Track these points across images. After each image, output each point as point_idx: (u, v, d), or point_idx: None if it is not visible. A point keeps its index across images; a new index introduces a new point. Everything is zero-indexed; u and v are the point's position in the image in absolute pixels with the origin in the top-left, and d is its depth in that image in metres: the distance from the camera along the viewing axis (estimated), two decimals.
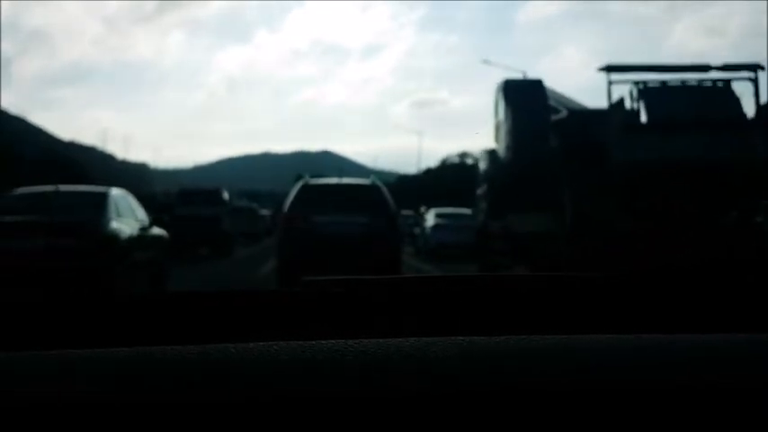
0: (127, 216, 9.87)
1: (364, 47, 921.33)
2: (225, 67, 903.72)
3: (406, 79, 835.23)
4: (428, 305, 0.98)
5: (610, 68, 12.88)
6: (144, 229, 10.26)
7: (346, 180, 12.27)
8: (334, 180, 12.32)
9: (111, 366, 0.76)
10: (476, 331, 0.86)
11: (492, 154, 14.52)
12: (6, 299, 0.96)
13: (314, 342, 0.81)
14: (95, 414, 0.68)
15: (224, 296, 1.01)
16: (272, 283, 11.65)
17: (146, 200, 11.42)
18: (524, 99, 13.24)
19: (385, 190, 11.28)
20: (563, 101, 14.05)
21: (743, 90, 12.73)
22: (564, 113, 13.38)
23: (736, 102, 12.61)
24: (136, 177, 58.42)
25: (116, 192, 10.02)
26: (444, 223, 21.83)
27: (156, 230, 10.81)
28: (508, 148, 13.29)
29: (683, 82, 12.88)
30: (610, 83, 12.78)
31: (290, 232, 10.76)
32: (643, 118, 12.65)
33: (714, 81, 12.87)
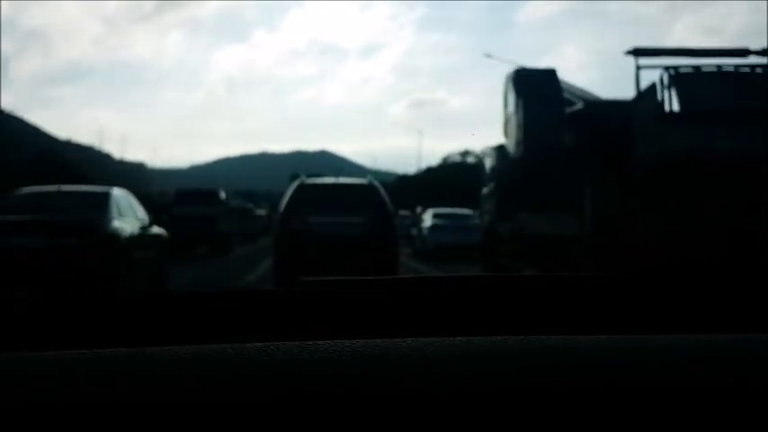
0: (128, 216, 9.91)
1: (363, 47, 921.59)
2: (223, 66, 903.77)
3: (405, 79, 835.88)
4: (426, 305, 0.98)
5: (638, 52, 11.53)
6: (144, 229, 10.29)
7: (343, 180, 12.16)
8: (330, 180, 12.22)
9: (110, 366, 0.76)
10: (474, 331, 0.86)
11: (500, 150, 13.74)
12: (7, 299, 0.96)
13: (311, 342, 0.81)
14: (95, 414, 0.68)
15: (221, 296, 1.01)
16: (269, 282, 11.63)
17: (142, 200, 11.43)
18: (537, 90, 12.21)
19: (382, 190, 11.20)
20: (578, 93, 12.97)
21: None
22: (580, 105, 12.28)
23: None
24: (133, 177, 58.27)
25: (117, 191, 10.09)
26: (442, 224, 21.63)
27: (156, 230, 10.84)
28: (519, 142, 12.35)
29: (719, 67, 11.57)
30: (638, 68, 11.42)
31: (287, 232, 10.69)
32: (675, 106, 11.27)
33: (752, 67, 11.58)
